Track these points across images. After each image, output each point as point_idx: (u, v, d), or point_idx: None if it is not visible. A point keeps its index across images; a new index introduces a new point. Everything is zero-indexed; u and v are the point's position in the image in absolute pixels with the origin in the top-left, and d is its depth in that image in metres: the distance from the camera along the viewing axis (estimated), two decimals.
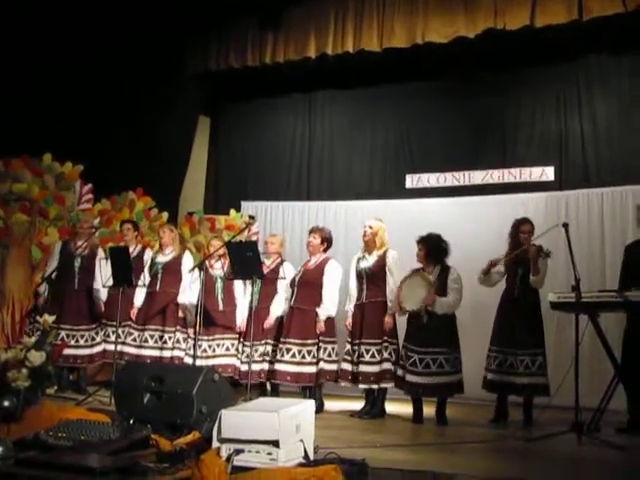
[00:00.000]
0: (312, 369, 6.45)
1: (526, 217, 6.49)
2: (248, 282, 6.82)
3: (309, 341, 6.49)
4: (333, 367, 6.55)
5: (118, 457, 3.29)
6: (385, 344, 6.28)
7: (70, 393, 6.87)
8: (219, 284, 7.09)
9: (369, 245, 6.54)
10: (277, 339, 6.74)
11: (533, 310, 6.12)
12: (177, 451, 3.43)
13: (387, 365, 6.25)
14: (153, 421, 3.93)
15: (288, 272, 6.82)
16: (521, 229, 6.28)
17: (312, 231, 6.82)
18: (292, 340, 6.50)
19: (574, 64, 8.56)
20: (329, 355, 6.54)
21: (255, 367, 6.70)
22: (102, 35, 8.44)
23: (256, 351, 6.76)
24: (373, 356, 6.28)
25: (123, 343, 7.15)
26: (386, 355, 6.26)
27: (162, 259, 7.29)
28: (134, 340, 7.14)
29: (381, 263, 6.42)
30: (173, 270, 7.21)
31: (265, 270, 6.81)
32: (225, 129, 10.56)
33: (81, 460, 3.18)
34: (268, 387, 6.86)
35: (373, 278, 6.44)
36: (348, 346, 6.50)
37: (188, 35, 9.52)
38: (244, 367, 6.80)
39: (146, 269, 7.27)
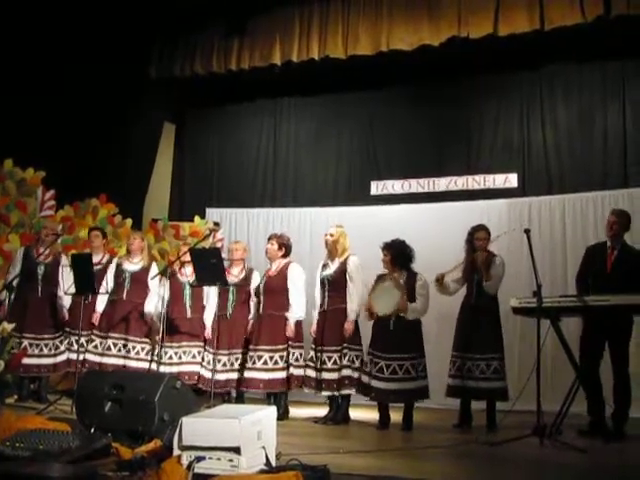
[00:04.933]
0: (283, 374, 6.44)
1: (482, 224, 6.51)
2: (214, 288, 6.76)
3: (280, 346, 6.47)
4: (300, 372, 6.52)
5: (77, 466, 3.24)
6: (345, 350, 6.29)
7: (31, 402, 6.74)
8: (187, 291, 7.03)
9: (331, 252, 6.57)
10: (246, 347, 6.70)
11: (489, 315, 6.17)
12: (137, 459, 3.39)
13: (347, 372, 6.24)
14: (114, 429, 3.90)
15: (257, 280, 6.85)
16: (476, 236, 6.35)
17: (270, 238, 6.83)
18: (263, 347, 6.47)
19: (536, 73, 8.73)
20: (296, 360, 6.52)
21: (222, 376, 6.69)
22: (66, 39, 8.31)
23: (237, 359, 6.75)
24: (335, 363, 6.29)
25: (86, 351, 7.02)
26: (345, 362, 6.26)
27: (131, 267, 7.18)
28: (95, 347, 7.03)
29: (342, 270, 6.44)
30: (141, 280, 7.11)
31: (235, 279, 6.84)
32: (190, 136, 10.52)
33: (40, 470, 3.13)
34: (233, 394, 6.83)
35: (335, 285, 6.45)
36: (312, 353, 6.50)
37: (154, 41, 9.48)
38: (216, 375, 6.66)
39: (110, 275, 7.12)
